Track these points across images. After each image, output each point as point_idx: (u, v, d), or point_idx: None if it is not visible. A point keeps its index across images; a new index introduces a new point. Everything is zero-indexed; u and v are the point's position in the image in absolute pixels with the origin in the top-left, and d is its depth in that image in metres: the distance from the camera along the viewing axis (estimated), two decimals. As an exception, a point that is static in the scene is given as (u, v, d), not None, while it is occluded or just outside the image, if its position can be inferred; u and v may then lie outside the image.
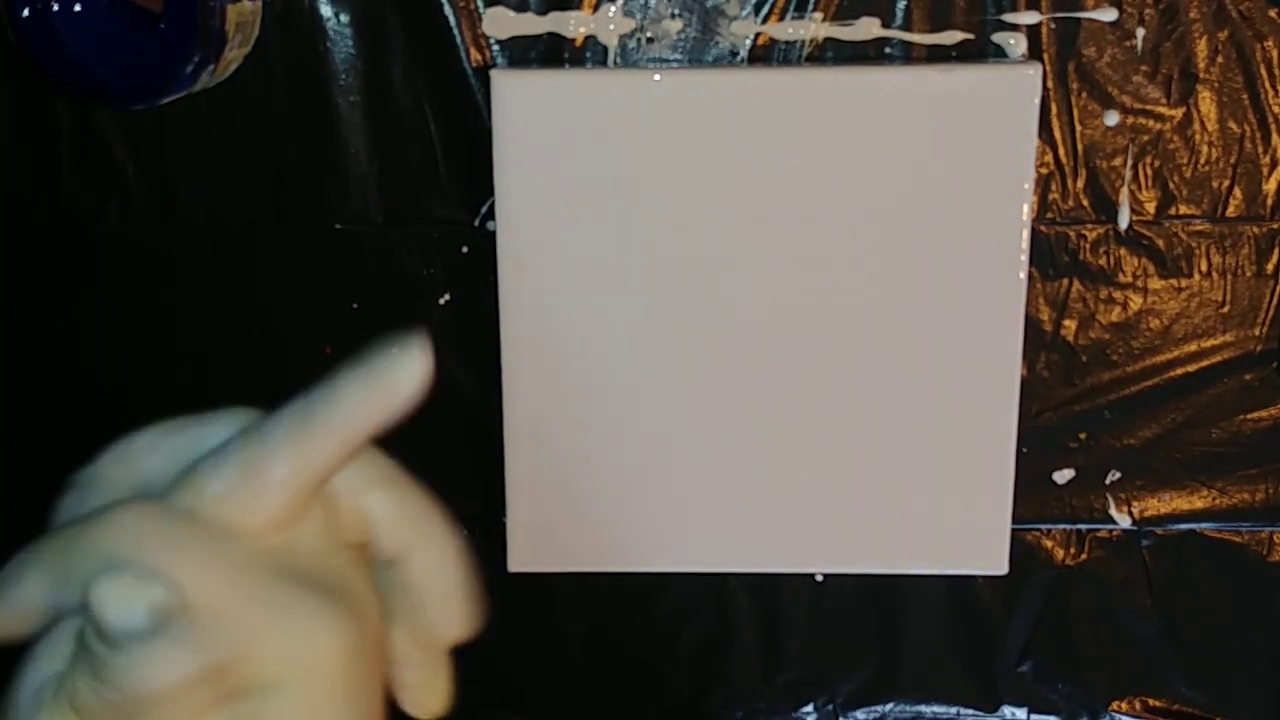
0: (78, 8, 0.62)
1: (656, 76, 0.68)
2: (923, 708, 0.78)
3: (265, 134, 0.70)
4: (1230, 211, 0.71)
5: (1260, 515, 0.75)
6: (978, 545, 0.73)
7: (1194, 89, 0.69)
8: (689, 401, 0.71)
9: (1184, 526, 0.75)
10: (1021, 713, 0.78)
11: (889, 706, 0.78)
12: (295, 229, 0.72)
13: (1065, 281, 0.72)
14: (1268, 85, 0.69)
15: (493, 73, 0.68)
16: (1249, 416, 0.74)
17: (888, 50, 0.69)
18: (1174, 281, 0.72)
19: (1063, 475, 0.75)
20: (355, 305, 0.72)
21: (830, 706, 0.78)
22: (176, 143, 0.70)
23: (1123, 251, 0.72)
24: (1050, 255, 0.72)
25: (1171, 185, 0.71)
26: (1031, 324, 0.72)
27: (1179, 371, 0.73)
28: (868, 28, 0.69)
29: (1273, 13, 0.68)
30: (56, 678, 0.36)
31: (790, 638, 0.77)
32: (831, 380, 0.71)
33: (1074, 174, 0.71)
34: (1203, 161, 0.70)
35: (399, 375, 0.38)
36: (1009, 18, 0.69)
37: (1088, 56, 0.69)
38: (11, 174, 0.71)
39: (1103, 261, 0.72)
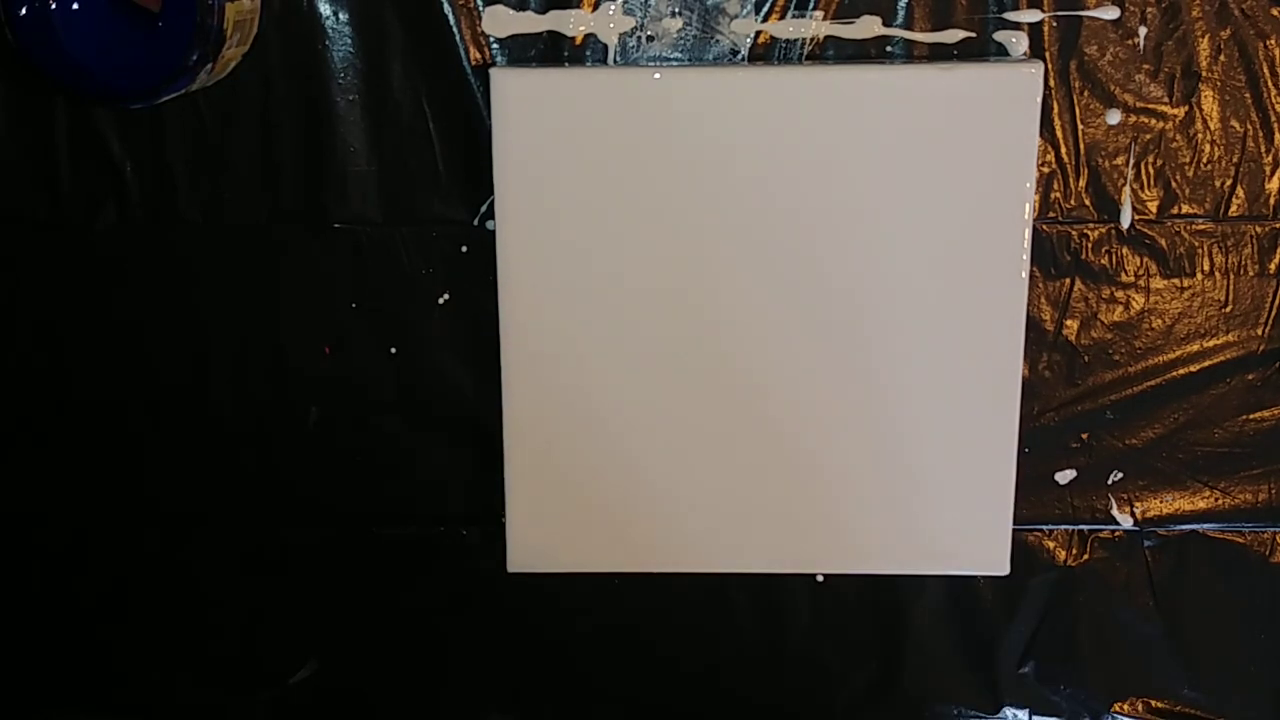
0: (76, 6, 0.62)
1: (656, 75, 0.68)
2: (924, 709, 0.78)
3: (263, 133, 0.70)
4: (1233, 211, 0.71)
5: (1262, 516, 0.75)
6: (979, 546, 0.73)
7: (1196, 88, 0.69)
8: (689, 401, 0.71)
9: (1186, 527, 0.75)
10: (1023, 714, 0.78)
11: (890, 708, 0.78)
12: (294, 228, 0.71)
13: (1067, 281, 0.72)
14: (1270, 84, 0.69)
15: (492, 71, 0.68)
16: (1251, 417, 0.73)
17: (889, 49, 0.69)
18: (1176, 281, 0.72)
19: (1064, 475, 0.74)
20: (354, 305, 0.72)
21: (831, 707, 0.78)
22: (174, 141, 0.70)
23: (1125, 251, 0.71)
24: (1052, 254, 0.71)
25: (1174, 184, 0.71)
26: (1033, 324, 0.72)
27: (1181, 371, 0.73)
28: (869, 26, 0.69)
29: (1275, 11, 0.68)
30: None
31: (791, 638, 0.77)
32: (832, 380, 0.70)
33: (1076, 173, 0.70)
34: (1205, 160, 0.70)
35: None
36: (1011, 16, 0.69)
37: (1090, 55, 0.69)
38: (9, 172, 0.71)
39: (1105, 261, 0.72)
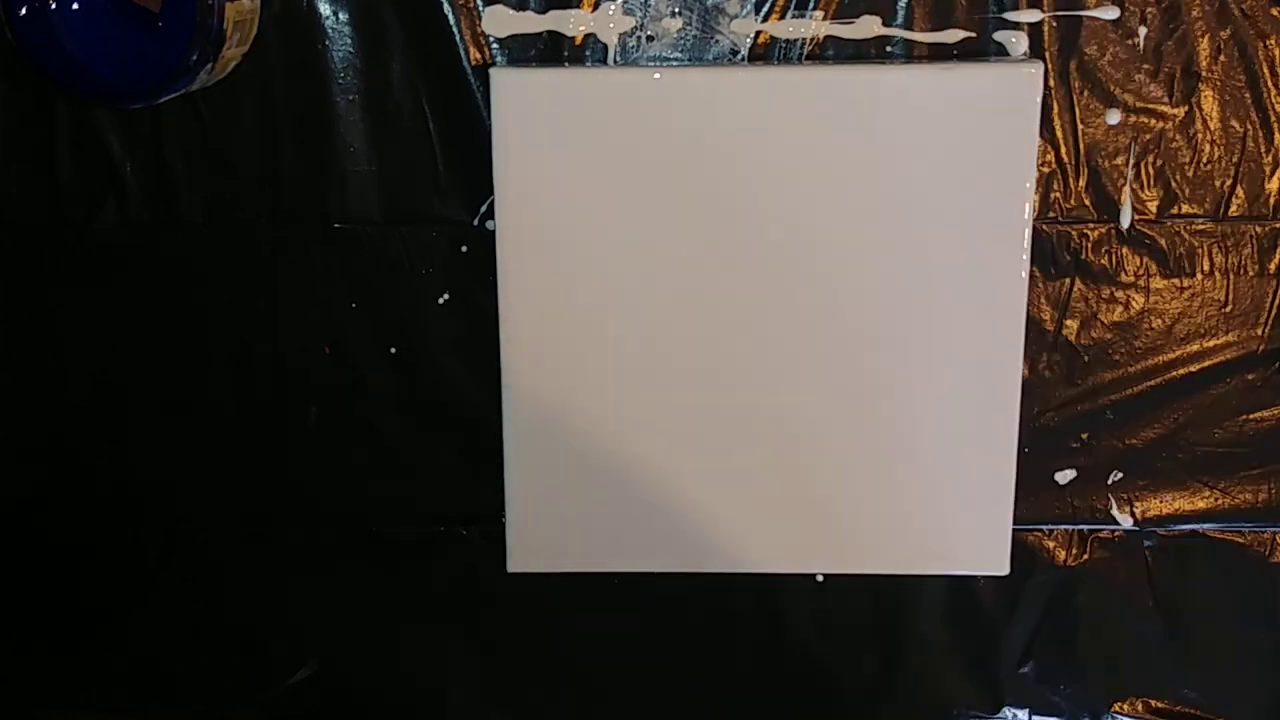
0: (76, 6, 0.62)
1: (656, 75, 0.68)
2: (924, 709, 0.78)
3: (263, 133, 0.70)
4: (1232, 211, 0.71)
5: (1262, 516, 0.75)
6: (979, 546, 0.73)
7: (1196, 88, 0.69)
8: (688, 401, 0.71)
9: (1186, 527, 0.75)
10: (1023, 714, 0.78)
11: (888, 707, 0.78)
12: (294, 228, 0.71)
13: (1067, 281, 0.72)
14: (1270, 84, 0.69)
15: (492, 71, 0.68)
16: (1251, 416, 0.73)
17: (889, 48, 0.69)
18: (1176, 281, 0.72)
19: (1064, 475, 0.74)
20: (354, 304, 0.72)
21: (831, 707, 0.78)
22: (174, 141, 0.70)
23: (1125, 251, 0.72)
24: (1052, 254, 0.71)
25: (1173, 184, 0.71)
26: (1033, 323, 0.72)
27: (1181, 371, 0.73)
28: (869, 26, 0.69)
29: (1275, 11, 0.68)
30: None
31: (791, 638, 0.77)
32: (832, 380, 0.70)
33: (1076, 173, 0.70)
34: (1205, 160, 0.70)
35: None
36: (1011, 16, 0.69)
37: (1090, 55, 0.69)
38: (8, 173, 0.71)
39: (1105, 261, 0.72)
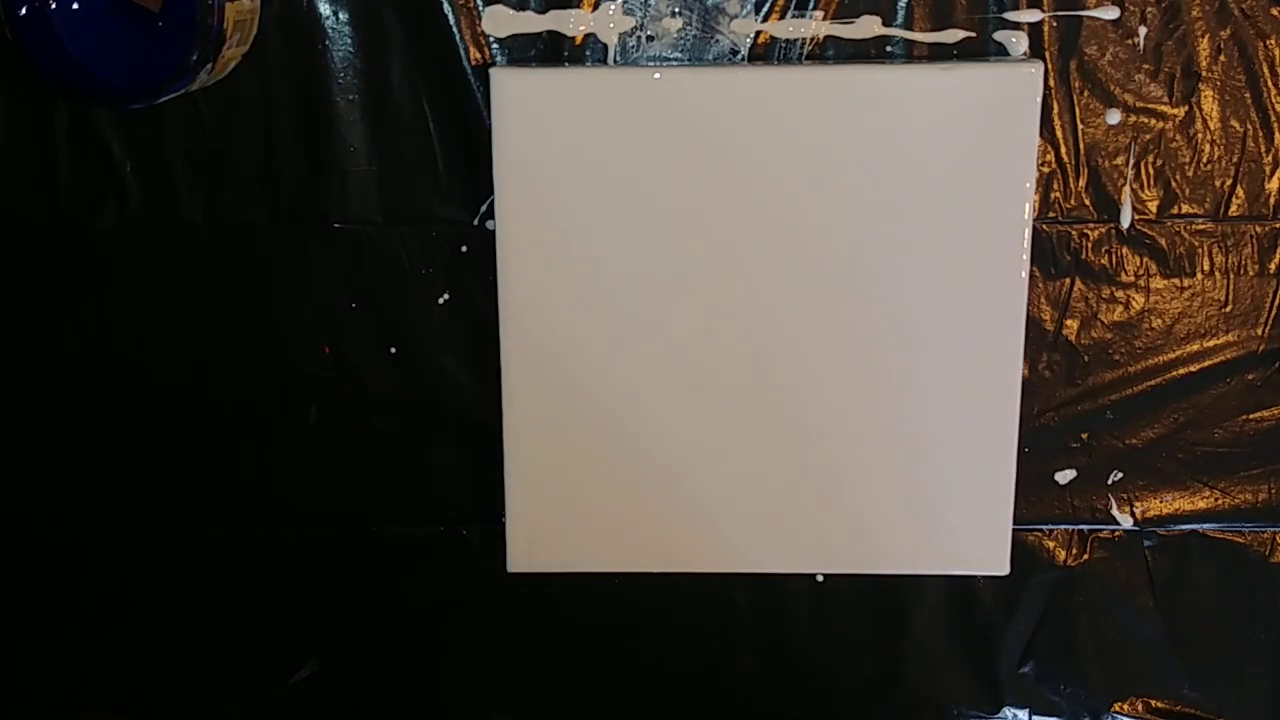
0: (76, 6, 0.62)
1: (657, 75, 0.68)
2: (924, 709, 0.78)
3: (263, 133, 0.70)
4: (1233, 210, 0.71)
5: (1262, 516, 0.75)
6: (979, 546, 0.73)
7: (1196, 87, 0.69)
8: (688, 401, 0.71)
9: (1186, 527, 0.75)
10: (1023, 714, 0.78)
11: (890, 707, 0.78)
12: (294, 228, 0.71)
13: (1067, 281, 0.72)
14: (1270, 84, 0.69)
15: (492, 71, 0.68)
16: (1251, 417, 0.73)
17: (889, 48, 0.69)
18: (1176, 281, 0.72)
19: (1064, 475, 0.74)
20: (354, 304, 0.72)
21: (831, 707, 0.78)
22: (174, 142, 0.70)
23: (1125, 251, 0.72)
24: (1052, 254, 0.71)
25: (1174, 184, 0.71)
26: (1033, 323, 0.72)
27: (1181, 371, 0.73)
28: (869, 26, 0.69)
29: (1275, 11, 0.68)
30: None
31: (791, 638, 0.77)
32: (832, 380, 0.70)
33: (1076, 173, 0.70)
34: (1205, 160, 0.70)
35: None
36: (1011, 16, 0.69)
37: (1090, 55, 0.69)
38: (9, 172, 0.71)
39: (1105, 261, 0.72)
